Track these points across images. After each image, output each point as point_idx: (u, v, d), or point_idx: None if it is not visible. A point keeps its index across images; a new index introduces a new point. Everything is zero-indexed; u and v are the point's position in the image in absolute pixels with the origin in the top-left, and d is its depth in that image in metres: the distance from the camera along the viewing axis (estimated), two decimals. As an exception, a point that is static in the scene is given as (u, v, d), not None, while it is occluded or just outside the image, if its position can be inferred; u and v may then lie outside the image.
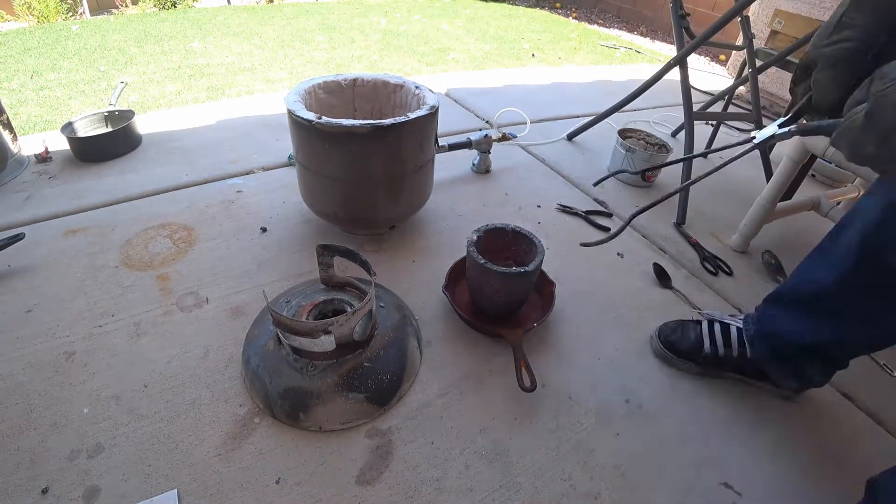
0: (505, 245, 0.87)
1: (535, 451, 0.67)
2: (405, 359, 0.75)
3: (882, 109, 0.40)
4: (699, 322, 0.83)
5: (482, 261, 0.76)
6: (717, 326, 0.80)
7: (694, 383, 0.81)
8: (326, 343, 0.65)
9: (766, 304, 0.77)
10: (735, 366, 0.79)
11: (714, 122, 1.62)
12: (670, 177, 1.40)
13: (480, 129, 1.54)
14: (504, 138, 1.36)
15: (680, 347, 0.81)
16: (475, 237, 0.82)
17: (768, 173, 1.41)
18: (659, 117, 1.90)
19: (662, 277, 1.02)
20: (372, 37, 3.36)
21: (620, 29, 4.41)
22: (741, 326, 0.79)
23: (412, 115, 0.86)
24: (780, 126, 0.56)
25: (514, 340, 0.77)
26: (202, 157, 1.30)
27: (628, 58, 3.31)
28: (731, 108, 1.95)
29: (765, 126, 0.58)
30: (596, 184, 1.08)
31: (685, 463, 0.68)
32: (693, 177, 1.23)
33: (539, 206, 1.22)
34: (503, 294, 0.80)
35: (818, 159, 1.08)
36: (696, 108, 1.31)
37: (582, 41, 3.71)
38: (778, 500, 0.66)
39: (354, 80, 1.04)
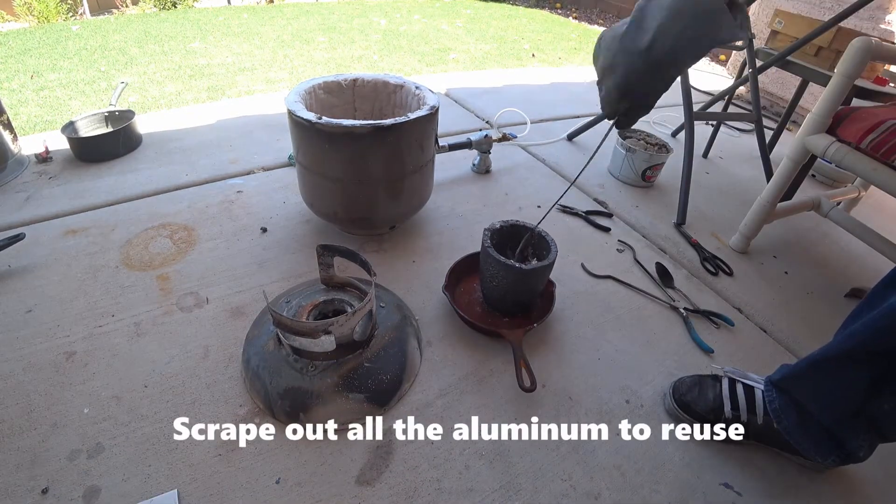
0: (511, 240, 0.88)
1: (535, 451, 0.67)
2: (405, 359, 0.75)
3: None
4: (718, 379, 0.73)
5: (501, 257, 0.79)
6: (739, 388, 0.70)
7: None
8: (326, 343, 0.65)
9: (793, 368, 0.66)
10: (759, 435, 0.68)
11: (714, 122, 1.62)
12: (671, 177, 1.40)
13: (480, 130, 1.54)
14: (504, 138, 1.36)
15: (697, 409, 0.71)
16: (490, 232, 0.83)
17: (768, 173, 1.41)
18: (659, 117, 1.90)
19: (664, 277, 1.02)
20: (372, 37, 3.36)
21: (620, 29, 4.40)
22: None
23: (412, 116, 0.86)
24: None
25: (514, 340, 0.77)
26: (202, 157, 1.30)
27: (628, 58, 3.30)
28: (731, 108, 1.94)
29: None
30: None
31: (685, 463, 0.68)
32: (693, 175, 1.24)
33: (539, 207, 1.22)
34: (517, 287, 0.82)
35: (818, 159, 1.08)
36: (696, 108, 1.31)
37: (582, 41, 3.71)
38: (777, 498, 0.66)
39: (355, 81, 1.04)
